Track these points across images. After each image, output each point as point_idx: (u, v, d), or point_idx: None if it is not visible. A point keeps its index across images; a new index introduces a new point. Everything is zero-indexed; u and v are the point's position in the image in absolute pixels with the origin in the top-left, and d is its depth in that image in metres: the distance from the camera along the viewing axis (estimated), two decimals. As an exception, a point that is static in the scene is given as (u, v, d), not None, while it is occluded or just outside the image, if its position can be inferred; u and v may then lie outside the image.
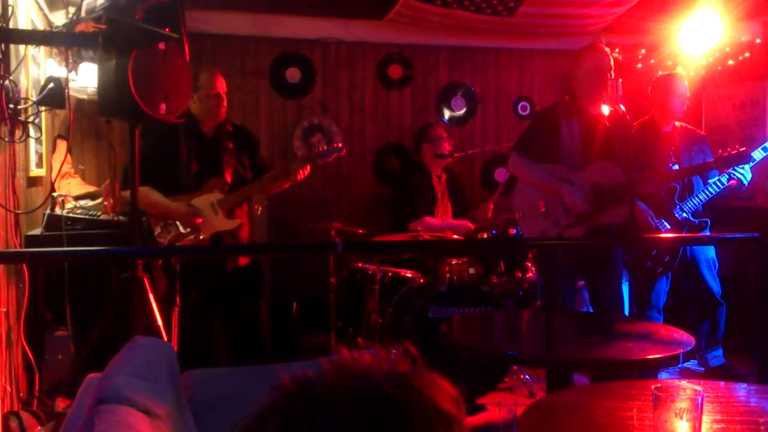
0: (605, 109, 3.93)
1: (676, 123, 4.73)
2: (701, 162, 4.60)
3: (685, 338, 2.81)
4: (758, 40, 5.46)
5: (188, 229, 3.92)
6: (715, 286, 4.74)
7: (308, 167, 4.10)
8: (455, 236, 5.09)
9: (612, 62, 3.92)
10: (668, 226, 4.49)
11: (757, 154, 4.35)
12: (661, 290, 4.72)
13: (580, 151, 3.91)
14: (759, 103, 5.53)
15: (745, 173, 4.38)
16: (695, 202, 4.51)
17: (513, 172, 4.10)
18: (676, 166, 4.58)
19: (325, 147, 4.24)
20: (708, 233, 4.58)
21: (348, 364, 0.83)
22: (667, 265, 4.57)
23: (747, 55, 5.48)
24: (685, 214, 4.50)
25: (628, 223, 3.86)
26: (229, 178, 4.03)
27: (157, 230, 3.92)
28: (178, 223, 3.93)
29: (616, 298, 4.01)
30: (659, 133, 4.66)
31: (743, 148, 4.22)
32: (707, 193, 4.50)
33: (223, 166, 4.03)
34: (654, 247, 4.52)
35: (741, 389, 2.39)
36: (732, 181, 4.42)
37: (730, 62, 5.55)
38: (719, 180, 4.45)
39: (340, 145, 4.23)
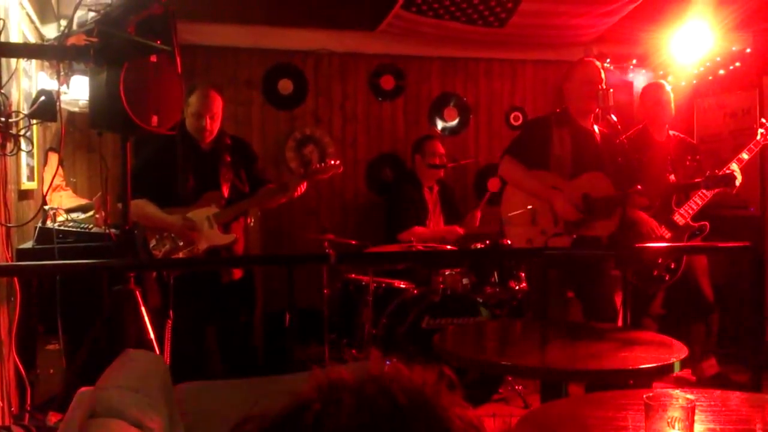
0: (596, 127, 3.98)
1: (671, 132, 4.78)
2: (695, 171, 4.65)
3: (679, 347, 2.81)
4: (748, 50, 5.49)
5: (183, 243, 3.91)
6: (709, 292, 4.77)
7: (305, 184, 4.10)
8: (448, 246, 5.09)
9: (603, 75, 3.95)
10: (669, 234, 4.53)
11: (744, 156, 4.41)
12: (655, 297, 4.74)
13: (570, 161, 3.93)
14: (750, 112, 5.55)
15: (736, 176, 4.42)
16: (693, 206, 4.55)
17: (503, 175, 4.09)
18: (672, 176, 4.62)
19: (322, 164, 4.24)
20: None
21: (375, 372, 0.85)
22: (674, 272, 4.60)
23: (737, 64, 5.51)
24: (685, 220, 4.54)
25: (619, 233, 3.86)
26: (226, 192, 4.02)
27: (153, 243, 3.92)
28: (173, 236, 3.92)
29: (609, 308, 4.01)
30: (653, 143, 4.69)
31: (729, 171, 4.27)
32: (703, 196, 4.54)
33: (220, 179, 4.03)
34: (652, 257, 4.56)
35: (734, 397, 2.39)
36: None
37: (721, 72, 5.58)
38: None
39: (338, 162, 4.23)
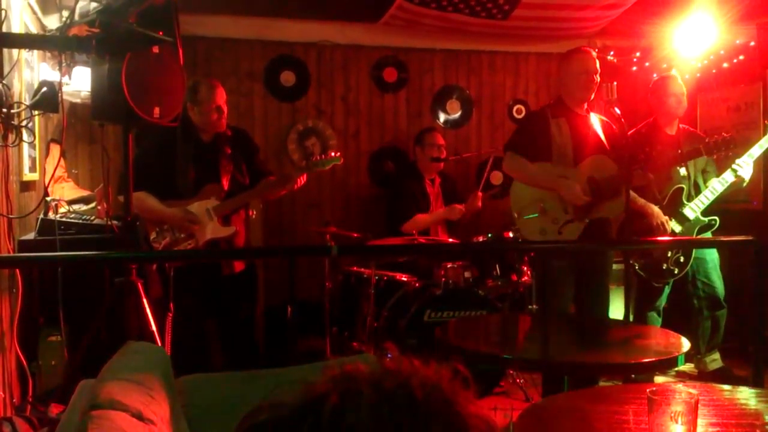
0: (594, 116, 3.98)
1: (681, 125, 4.76)
2: (704, 164, 4.65)
3: (682, 342, 2.80)
4: (752, 43, 5.47)
5: (183, 235, 3.91)
6: (720, 287, 4.76)
7: (305, 176, 4.10)
8: (450, 239, 5.09)
9: (598, 65, 3.95)
10: (680, 228, 4.53)
11: (756, 150, 4.40)
12: (662, 291, 4.74)
13: (572, 149, 3.93)
14: (753, 105, 5.54)
15: (746, 170, 4.41)
16: (703, 200, 4.55)
17: (508, 172, 4.10)
18: (683, 170, 4.60)
19: (322, 156, 4.23)
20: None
21: (393, 367, 0.86)
22: (683, 266, 4.60)
23: (741, 58, 5.49)
24: (695, 214, 4.55)
25: (626, 226, 3.86)
26: (226, 184, 4.01)
27: (153, 235, 3.92)
28: (173, 228, 3.92)
29: (603, 299, 4.01)
30: (663, 136, 4.68)
31: (729, 135, 4.25)
32: (713, 191, 4.54)
33: (220, 171, 4.02)
34: (659, 250, 4.56)
35: (737, 392, 2.38)
36: (735, 179, 4.46)
37: (725, 65, 5.56)
38: (723, 178, 4.49)
39: (338, 153, 4.22)
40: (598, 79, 3.92)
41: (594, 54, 4.01)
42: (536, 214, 3.92)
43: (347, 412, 0.79)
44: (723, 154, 4.33)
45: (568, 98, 4.02)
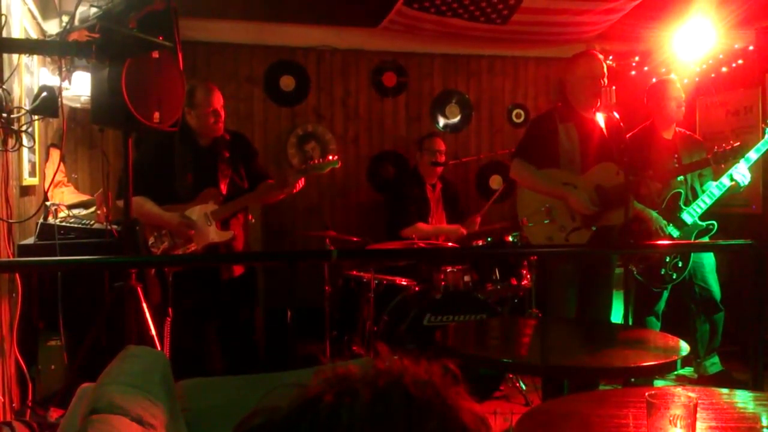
0: (600, 116, 3.96)
1: (677, 129, 4.76)
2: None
3: (681, 345, 2.80)
4: (751, 48, 5.48)
5: (181, 240, 3.91)
6: (717, 290, 4.76)
7: (303, 180, 4.10)
8: (449, 243, 5.09)
9: (605, 68, 3.94)
10: (678, 233, 4.53)
11: (752, 155, 4.40)
12: (661, 296, 4.74)
13: (579, 154, 3.92)
14: (752, 109, 5.54)
15: (744, 175, 4.41)
16: (700, 205, 4.55)
17: (515, 179, 4.08)
18: (680, 176, 4.60)
19: (320, 159, 4.23)
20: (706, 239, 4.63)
21: (385, 366, 0.87)
22: (681, 270, 4.60)
23: (740, 62, 5.50)
24: (693, 219, 4.55)
25: (625, 231, 3.86)
26: (224, 189, 4.01)
27: (151, 240, 3.91)
28: (171, 233, 3.91)
29: (607, 304, 4.01)
30: (660, 140, 4.68)
31: (738, 143, 4.24)
32: (711, 195, 4.54)
33: (218, 176, 4.02)
34: (660, 255, 4.56)
35: (736, 396, 2.38)
36: (732, 183, 4.46)
37: (724, 69, 5.57)
38: (720, 182, 4.49)
39: (335, 157, 4.22)
40: (606, 82, 3.89)
41: (601, 57, 3.99)
42: (544, 221, 3.92)
43: (344, 411, 0.80)
44: (732, 163, 4.33)
45: (575, 101, 4.00)
